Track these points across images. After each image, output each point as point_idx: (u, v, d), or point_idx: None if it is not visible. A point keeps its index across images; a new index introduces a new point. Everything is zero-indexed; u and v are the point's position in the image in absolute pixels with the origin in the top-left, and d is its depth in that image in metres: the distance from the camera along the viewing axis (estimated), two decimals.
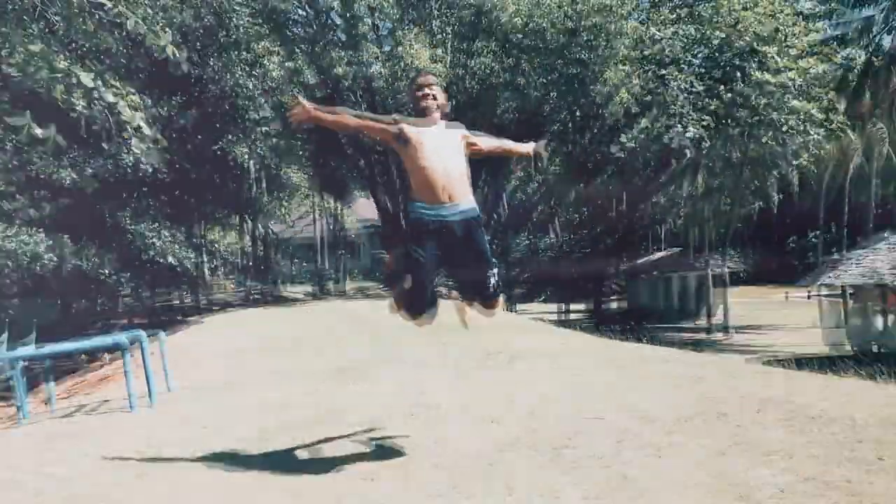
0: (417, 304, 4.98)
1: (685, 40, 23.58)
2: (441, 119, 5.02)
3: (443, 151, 4.79)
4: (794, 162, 28.20)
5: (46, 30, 11.11)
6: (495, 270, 4.94)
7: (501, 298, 5.20)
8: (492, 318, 5.26)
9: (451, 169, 4.78)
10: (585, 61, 20.75)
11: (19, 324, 12.95)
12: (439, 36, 21.45)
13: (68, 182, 15.44)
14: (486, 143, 5.22)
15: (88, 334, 17.15)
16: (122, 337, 8.30)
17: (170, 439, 6.18)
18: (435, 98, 4.97)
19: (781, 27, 23.55)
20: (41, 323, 16.30)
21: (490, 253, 4.97)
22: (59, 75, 5.55)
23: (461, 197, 4.78)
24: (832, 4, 28.13)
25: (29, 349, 8.74)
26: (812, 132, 24.32)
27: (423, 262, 4.77)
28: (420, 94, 4.98)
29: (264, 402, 7.40)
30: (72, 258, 15.90)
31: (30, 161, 15.32)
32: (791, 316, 35.81)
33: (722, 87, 23.76)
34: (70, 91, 5.50)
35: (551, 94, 23.11)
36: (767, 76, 22.94)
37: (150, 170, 16.83)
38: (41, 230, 14.84)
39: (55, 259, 15.25)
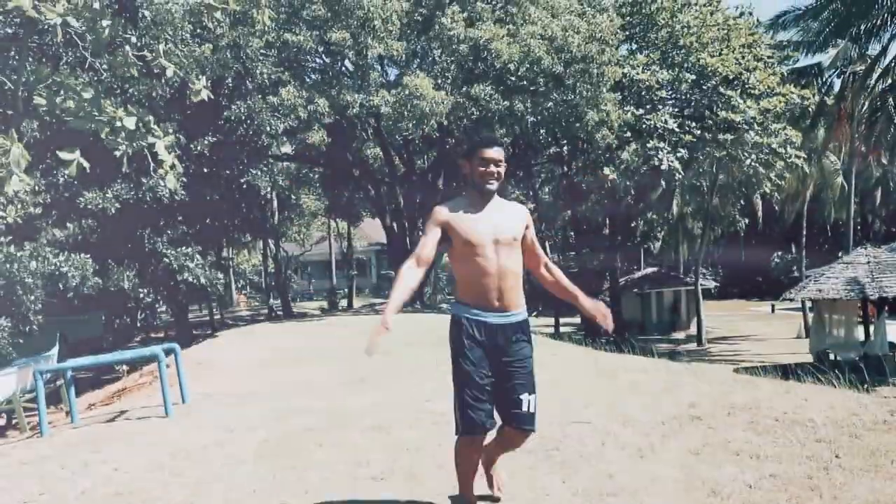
0: (480, 415, 3.63)
1: (659, 84, 23.76)
2: (497, 196, 3.86)
3: (497, 246, 3.69)
4: (766, 187, 28.46)
5: (95, 78, 11.28)
6: (533, 397, 3.76)
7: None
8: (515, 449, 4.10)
9: (505, 269, 3.69)
10: (571, 102, 20.84)
11: (67, 338, 12.98)
12: (441, 66, 21.53)
13: (113, 212, 15.56)
14: (557, 280, 3.98)
15: (130, 347, 17.21)
16: (158, 349, 8.32)
17: (200, 441, 6.19)
18: (499, 178, 3.78)
19: (744, 72, 23.81)
20: (87, 336, 16.39)
21: (532, 373, 3.81)
22: (106, 119, 5.62)
23: (515, 305, 3.72)
24: (788, 51, 28.47)
25: (78, 360, 8.75)
26: (777, 163, 24.60)
27: (476, 367, 3.64)
28: (484, 169, 3.74)
29: (284, 408, 7.40)
30: (115, 279, 15.96)
31: (79, 193, 15.45)
32: (760, 328, 35.83)
33: (693, 123, 23.96)
34: (116, 133, 5.56)
35: (544, 124, 23.22)
36: (732, 115, 23.20)
37: (185, 198, 16.93)
38: (88, 255, 14.93)
39: (100, 281, 15.31)
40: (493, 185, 3.75)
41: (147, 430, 7.02)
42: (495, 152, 3.75)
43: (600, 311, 3.85)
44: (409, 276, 3.58)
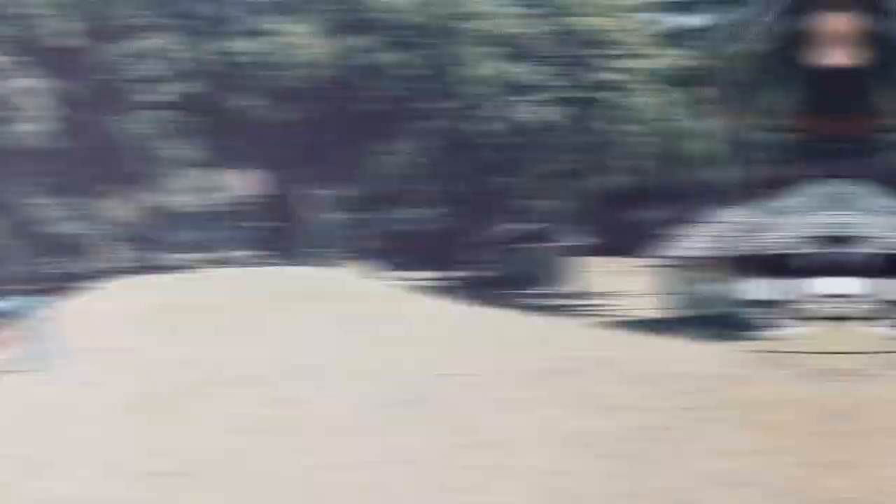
0: None
1: (532, 39, 24.00)
2: None
3: None
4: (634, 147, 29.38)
5: None
6: None
7: None
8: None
9: None
10: (444, 56, 20.94)
11: None
12: (314, 14, 21.12)
13: None
14: None
15: None
16: (22, 301, 7.95)
17: (69, 397, 6.00)
18: None
19: (617, 32, 24.42)
20: None
21: None
22: None
23: None
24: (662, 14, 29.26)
25: None
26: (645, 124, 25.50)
27: None
28: None
29: (158, 362, 7.25)
30: None
31: None
32: (629, 284, 37.19)
33: (566, 80, 24.40)
34: None
35: (419, 80, 23.19)
36: (604, 76, 23.89)
37: (50, 147, 15.97)
38: None
39: None
40: None
41: (12, 387, 6.73)
42: None
43: None
44: None
